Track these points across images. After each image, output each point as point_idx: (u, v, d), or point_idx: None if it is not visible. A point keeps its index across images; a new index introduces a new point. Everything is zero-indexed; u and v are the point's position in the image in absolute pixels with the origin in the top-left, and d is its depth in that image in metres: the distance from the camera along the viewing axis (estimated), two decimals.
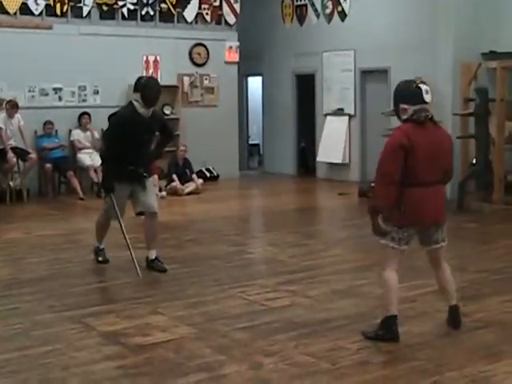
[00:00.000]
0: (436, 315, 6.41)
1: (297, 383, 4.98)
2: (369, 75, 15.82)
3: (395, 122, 14.38)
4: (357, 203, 13.45)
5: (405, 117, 5.81)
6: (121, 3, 15.38)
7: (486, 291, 7.16)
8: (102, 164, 8.80)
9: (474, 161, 12.38)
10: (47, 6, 14.51)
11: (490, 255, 8.86)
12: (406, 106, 5.78)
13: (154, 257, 8.13)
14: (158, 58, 15.87)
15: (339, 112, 16.33)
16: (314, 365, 5.25)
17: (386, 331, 5.75)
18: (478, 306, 6.68)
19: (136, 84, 7.91)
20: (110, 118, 8.37)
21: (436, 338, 5.83)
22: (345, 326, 6.12)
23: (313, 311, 6.59)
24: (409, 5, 14.75)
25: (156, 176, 13.78)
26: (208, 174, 16.45)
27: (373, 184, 6.09)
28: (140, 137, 7.89)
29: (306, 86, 17.21)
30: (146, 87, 7.80)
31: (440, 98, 13.57)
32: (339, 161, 16.26)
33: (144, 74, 8.14)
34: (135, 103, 7.84)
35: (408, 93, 5.80)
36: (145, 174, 7.97)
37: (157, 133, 8.27)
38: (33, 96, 14.44)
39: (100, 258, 8.47)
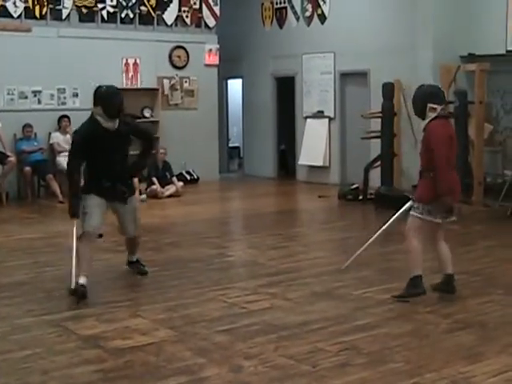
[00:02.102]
0: (415, 317, 6.45)
1: None
2: (348, 78, 15.87)
3: (375, 125, 14.52)
4: (336, 206, 13.47)
5: (434, 114, 6.85)
6: (100, 6, 15.34)
7: (465, 292, 7.18)
8: (68, 186, 7.64)
9: None
10: (26, 8, 14.44)
11: (469, 257, 8.90)
12: (435, 106, 6.85)
13: (135, 259, 8.06)
14: (138, 60, 15.85)
15: (319, 114, 16.37)
16: (293, 367, 5.25)
17: (415, 288, 6.84)
18: (457, 308, 6.71)
19: (95, 96, 7.28)
20: (74, 132, 7.67)
21: (415, 339, 5.85)
22: (324, 328, 6.12)
23: (292, 313, 6.59)
24: (388, 7, 14.81)
25: (136, 179, 13.78)
26: (188, 177, 16.43)
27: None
28: (109, 152, 7.26)
29: (286, 89, 17.23)
30: (107, 99, 7.20)
31: None
32: (320, 163, 16.29)
33: (97, 80, 7.14)
34: (98, 118, 7.21)
35: (436, 94, 6.96)
36: (124, 190, 7.43)
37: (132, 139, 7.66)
38: (12, 99, 14.36)
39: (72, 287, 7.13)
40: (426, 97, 6.90)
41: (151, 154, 8.22)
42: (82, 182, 7.66)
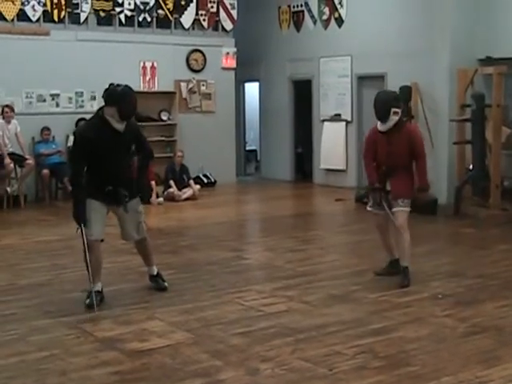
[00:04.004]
0: (431, 320, 6.43)
1: None
2: (365, 81, 15.84)
3: None
4: (353, 209, 13.45)
5: (397, 118, 7.52)
6: (118, 9, 15.40)
7: (482, 296, 7.17)
8: (71, 190, 7.45)
9: (471, 166, 12.39)
10: (45, 12, 14.53)
11: (486, 260, 8.88)
12: (398, 110, 7.56)
13: (155, 273, 7.65)
14: (155, 64, 15.90)
15: (336, 118, 16.35)
16: (310, 370, 5.26)
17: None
18: (474, 311, 6.69)
19: (110, 96, 6.83)
20: (75, 133, 7.31)
21: (431, 343, 5.83)
22: (341, 332, 6.12)
23: (309, 316, 6.59)
24: (405, 10, 14.76)
25: (153, 182, 13.85)
26: (205, 180, 16.44)
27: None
28: (115, 154, 6.91)
29: (303, 92, 17.23)
30: (124, 101, 6.79)
31: (436, 103, 13.63)
32: (339, 167, 16.27)
33: (115, 83, 6.76)
34: (109, 118, 6.83)
35: (398, 100, 7.71)
36: (126, 194, 7.01)
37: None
38: (30, 102, 14.45)
39: (87, 301, 6.92)
40: (390, 101, 7.58)
41: (147, 173, 7.74)
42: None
